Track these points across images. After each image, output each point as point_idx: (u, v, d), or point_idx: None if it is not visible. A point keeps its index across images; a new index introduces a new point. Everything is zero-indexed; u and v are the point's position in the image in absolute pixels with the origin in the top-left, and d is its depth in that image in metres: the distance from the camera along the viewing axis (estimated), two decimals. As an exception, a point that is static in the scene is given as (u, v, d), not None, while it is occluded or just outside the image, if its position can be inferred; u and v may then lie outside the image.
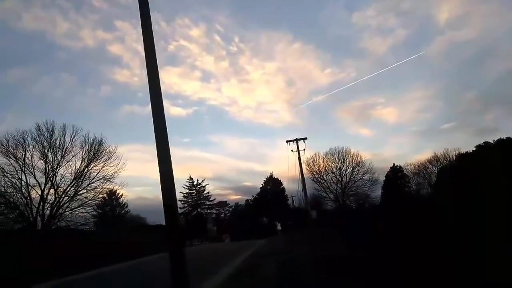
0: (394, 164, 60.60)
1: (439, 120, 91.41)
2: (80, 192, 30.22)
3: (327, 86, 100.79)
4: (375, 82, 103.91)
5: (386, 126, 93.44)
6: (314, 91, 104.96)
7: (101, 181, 31.69)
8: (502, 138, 52.61)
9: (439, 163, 55.90)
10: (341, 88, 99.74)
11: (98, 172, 31.31)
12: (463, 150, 54.21)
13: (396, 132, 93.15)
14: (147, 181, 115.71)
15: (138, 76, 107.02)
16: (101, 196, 33.78)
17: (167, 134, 5.73)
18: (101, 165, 31.66)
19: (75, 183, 30.14)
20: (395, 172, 59.45)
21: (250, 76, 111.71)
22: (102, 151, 31.78)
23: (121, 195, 54.31)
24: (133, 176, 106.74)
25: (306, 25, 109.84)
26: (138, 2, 6.59)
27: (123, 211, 57.03)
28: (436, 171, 55.70)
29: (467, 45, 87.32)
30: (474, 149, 53.15)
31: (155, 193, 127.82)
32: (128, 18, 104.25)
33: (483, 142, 53.40)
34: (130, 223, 57.66)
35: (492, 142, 52.63)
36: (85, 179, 30.42)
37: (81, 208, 30.23)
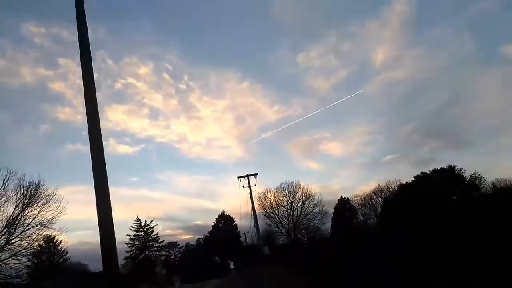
0: (342, 196, 62.73)
1: (381, 153, 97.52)
2: (12, 241, 27.19)
3: (275, 122, 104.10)
4: (321, 118, 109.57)
5: (333, 159, 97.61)
6: (263, 127, 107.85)
7: (37, 227, 28.83)
8: (436, 168, 57.29)
9: (383, 193, 58.76)
10: (289, 124, 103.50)
11: (34, 218, 28.52)
12: (404, 181, 57.83)
13: (343, 165, 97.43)
14: (89, 225, 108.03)
15: (82, 114, 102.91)
16: (36, 244, 30.56)
17: (106, 177, 5.47)
18: (38, 210, 28.95)
19: (6, 231, 27.14)
20: (343, 204, 61.36)
21: (200, 113, 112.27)
22: (39, 195, 29.16)
23: (60, 241, 50.05)
24: (76, 219, 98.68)
25: (254, 64, 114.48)
26: (78, 39, 6.48)
27: (62, 259, 52.51)
28: (380, 202, 58.40)
29: (402, 83, 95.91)
30: (413, 179, 57.03)
31: (98, 237, 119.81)
32: (72, 55, 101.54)
33: (421, 173, 57.61)
34: (69, 271, 53.02)
35: (428, 172, 56.93)
36: (18, 226, 27.53)
37: (13, 259, 27.05)
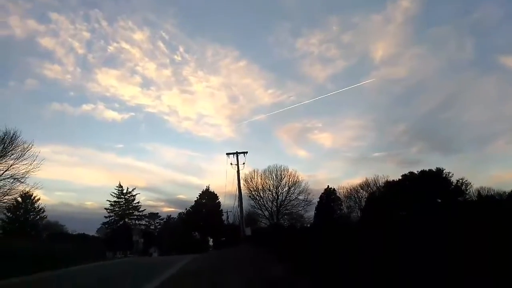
0: (328, 186, 62.40)
1: (370, 149, 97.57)
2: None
3: (269, 106, 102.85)
4: (314, 107, 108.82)
5: (322, 149, 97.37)
6: (256, 110, 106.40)
7: (9, 180, 27.31)
8: (424, 170, 57.16)
9: (369, 188, 58.65)
10: (282, 109, 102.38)
11: (7, 170, 26.95)
12: (391, 178, 57.72)
13: (331, 156, 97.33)
14: (71, 186, 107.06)
15: (71, 73, 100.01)
16: (9, 197, 28.98)
17: None
18: (11, 162, 27.32)
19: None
20: (329, 195, 61.12)
21: (193, 87, 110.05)
22: (14, 147, 27.44)
23: (38, 199, 49.02)
24: (58, 180, 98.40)
25: (253, 44, 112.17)
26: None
27: (38, 217, 51.30)
28: (366, 196, 58.34)
29: (398, 82, 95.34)
30: (401, 177, 56.92)
31: (81, 199, 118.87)
32: (65, 11, 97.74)
33: (408, 172, 57.49)
34: (45, 230, 52.14)
35: (416, 172, 56.83)
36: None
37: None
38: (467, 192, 53.80)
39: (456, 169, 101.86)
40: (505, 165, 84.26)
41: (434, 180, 53.57)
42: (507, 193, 46.88)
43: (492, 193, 51.73)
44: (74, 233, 55.98)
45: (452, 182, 54.62)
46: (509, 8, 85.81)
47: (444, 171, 55.47)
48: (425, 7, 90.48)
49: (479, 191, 52.88)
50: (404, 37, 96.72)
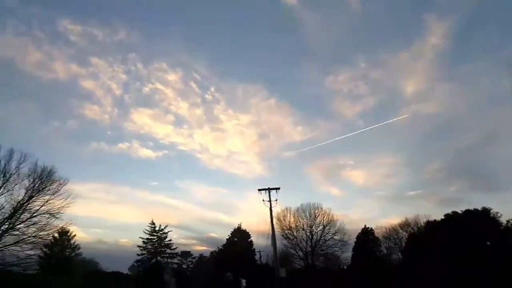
0: (365, 225, 59.23)
1: (405, 187, 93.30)
2: (17, 226, 26.17)
3: (298, 142, 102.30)
4: (345, 145, 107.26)
5: (354, 187, 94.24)
6: (285, 146, 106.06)
7: (45, 215, 27.71)
8: (469, 209, 53.16)
9: (409, 228, 55.18)
10: (312, 146, 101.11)
11: (43, 205, 27.38)
12: (432, 218, 54.14)
13: (364, 194, 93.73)
14: (107, 224, 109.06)
15: (109, 113, 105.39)
16: (45, 233, 29.34)
17: None
18: (47, 197, 27.76)
19: (13, 215, 26.05)
20: (367, 234, 57.88)
21: (223, 125, 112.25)
22: (51, 183, 28.16)
23: (74, 235, 49.91)
24: (94, 217, 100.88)
25: (282, 83, 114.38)
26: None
27: (73, 254, 51.87)
28: (406, 237, 54.73)
29: (430, 118, 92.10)
30: (443, 217, 53.17)
31: (116, 237, 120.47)
32: (104, 56, 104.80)
33: (452, 212, 53.66)
34: (80, 268, 52.43)
35: (460, 212, 52.96)
36: (25, 211, 26.60)
37: (16, 245, 25.81)
38: (519, 233, 49.04)
39: (502, 208, 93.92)
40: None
41: (480, 220, 49.53)
42: None
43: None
44: (108, 271, 56.02)
45: (502, 223, 50.18)
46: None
47: (491, 211, 51.25)
48: (454, 43, 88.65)
49: (533, 233, 48.08)
50: (435, 73, 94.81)
